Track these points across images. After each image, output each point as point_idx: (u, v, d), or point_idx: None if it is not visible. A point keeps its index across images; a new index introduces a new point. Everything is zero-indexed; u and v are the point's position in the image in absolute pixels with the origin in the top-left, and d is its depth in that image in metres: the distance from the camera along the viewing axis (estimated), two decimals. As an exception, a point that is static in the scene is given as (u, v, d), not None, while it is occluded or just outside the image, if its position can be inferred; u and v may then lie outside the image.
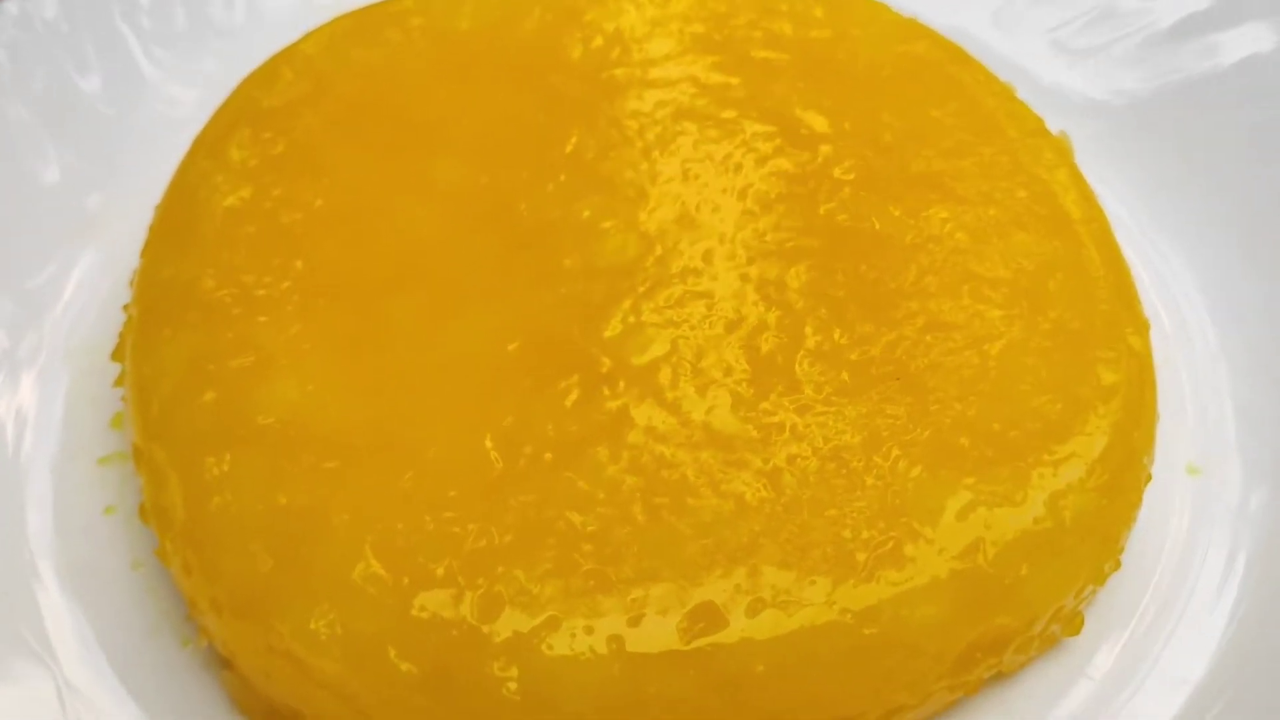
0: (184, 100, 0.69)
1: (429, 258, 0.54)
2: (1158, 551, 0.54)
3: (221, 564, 0.47)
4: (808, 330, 0.51)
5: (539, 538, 0.45)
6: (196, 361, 0.51)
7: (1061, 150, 0.59)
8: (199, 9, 0.72)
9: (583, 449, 0.48)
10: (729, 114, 0.59)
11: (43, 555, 0.54)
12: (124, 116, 0.68)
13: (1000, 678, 0.50)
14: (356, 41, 0.62)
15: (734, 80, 0.60)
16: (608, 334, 0.51)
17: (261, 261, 0.53)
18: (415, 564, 0.45)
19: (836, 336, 0.51)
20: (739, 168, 0.56)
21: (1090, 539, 0.48)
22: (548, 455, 0.47)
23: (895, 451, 0.47)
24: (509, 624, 0.43)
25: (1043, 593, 0.47)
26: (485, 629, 0.43)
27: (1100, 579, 0.50)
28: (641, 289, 0.52)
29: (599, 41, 0.62)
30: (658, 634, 0.43)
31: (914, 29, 0.63)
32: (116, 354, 0.56)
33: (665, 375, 0.50)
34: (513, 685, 0.43)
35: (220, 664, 0.50)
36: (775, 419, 0.48)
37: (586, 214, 0.55)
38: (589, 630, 0.43)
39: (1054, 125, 0.60)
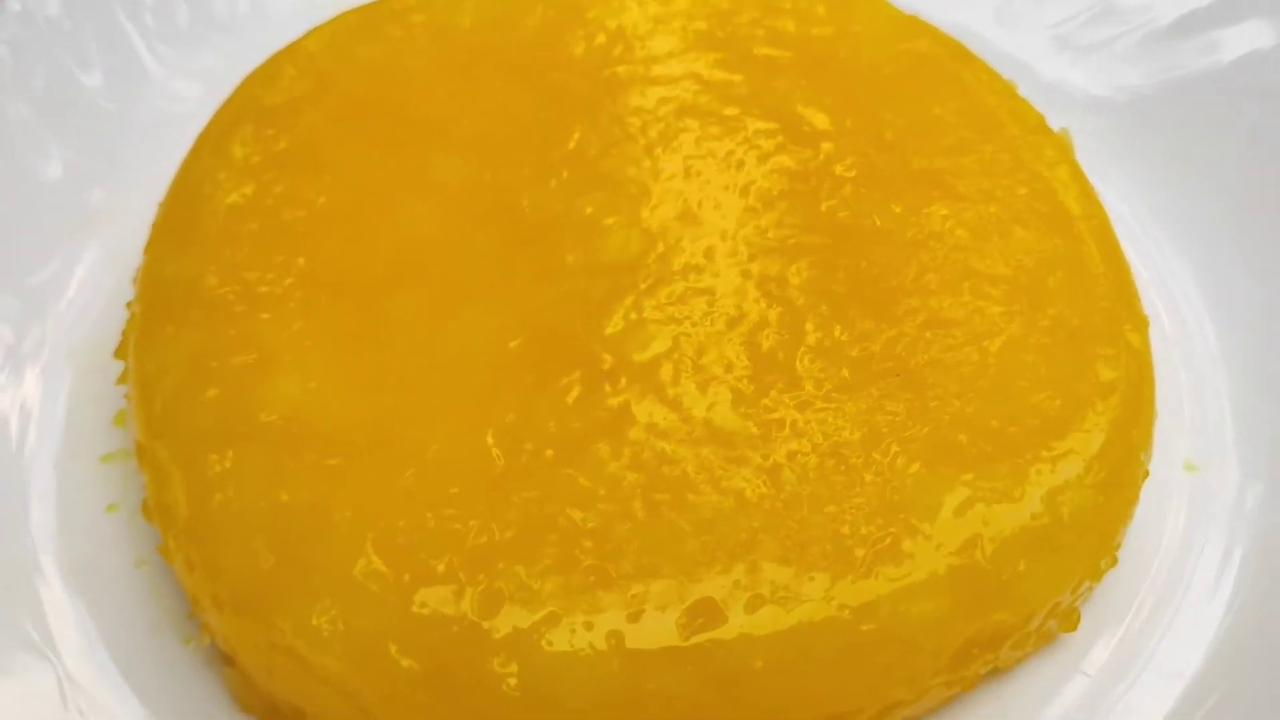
0: (187, 97, 0.69)
1: (431, 254, 0.54)
2: (1154, 548, 0.54)
3: (223, 561, 0.47)
4: (808, 327, 0.51)
5: (540, 534, 0.45)
6: (199, 359, 0.51)
7: (1062, 147, 0.59)
8: (202, 5, 0.72)
9: (584, 445, 0.48)
10: (731, 111, 0.59)
11: (45, 551, 0.54)
12: (127, 113, 0.68)
13: (997, 673, 0.50)
14: (359, 38, 0.63)
15: (736, 77, 0.60)
16: (609, 330, 0.51)
17: (264, 258, 0.53)
18: (416, 560, 0.45)
19: (837, 333, 0.51)
20: (741, 165, 0.57)
21: (1088, 535, 0.48)
22: (549, 452, 0.48)
23: (894, 448, 0.48)
24: (509, 620, 0.44)
25: (1040, 589, 0.47)
26: (485, 625, 0.44)
27: (1097, 575, 0.50)
28: (643, 285, 0.52)
29: (601, 38, 0.62)
30: (657, 630, 0.44)
31: (916, 26, 0.63)
32: (119, 351, 0.56)
33: (667, 372, 0.50)
34: (513, 681, 0.43)
35: (222, 661, 0.50)
36: (776, 415, 0.49)
37: (589, 211, 0.55)
38: (589, 626, 0.44)
39: (1055, 122, 0.60)
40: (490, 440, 0.48)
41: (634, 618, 0.44)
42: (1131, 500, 0.51)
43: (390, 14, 0.64)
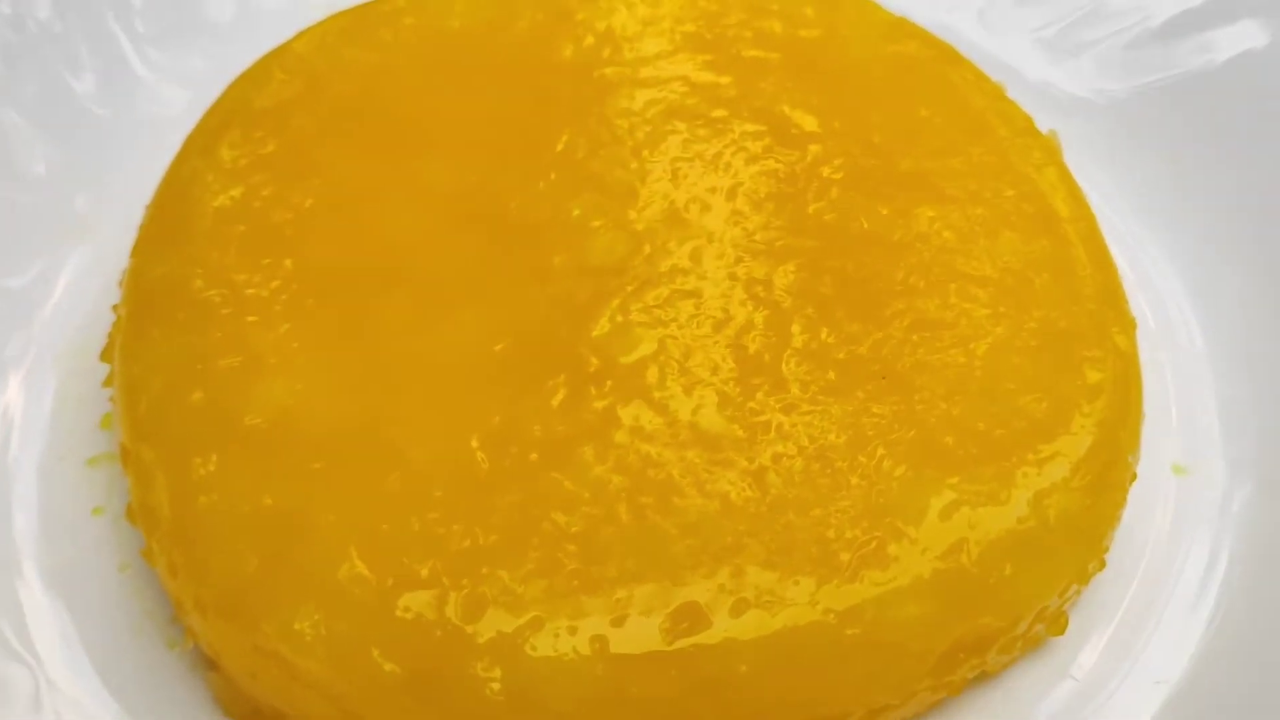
0: (176, 100, 0.69)
1: (418, 257, 0.54)
2: (1141, 550, 0.54)
3: (207, 564, 0.47)
4: (795, 329, 0.51)
5: (524, 538, 0.45)
6: (185, 361, 0.51)
7: (1050, 149, 0.59)
8: (191, 8, 0.72)
9: (569, 449, 0.48)
10: (719, 113, 0.59)
11: (28, 556, 0.54)
12: (116, 116, 0.68)
13: (984, 678, 0.50)
14: (348, 41, 0.62)
15: (724, 79, 0.60)
16: (595, 333, 0.51)
17: (251, 261, 0.53)
18: (400, 565, 0.45)
19: (824, 336, 0.51)
20: (728, 167, 0.56)
21: (1075, 538, 0.48)
22: (534, 455, 0.47)
23: (880, 451, 0.47)
24: (493, 624, 0.44)
25: (1027, 592, 0.47)
26: (469, 629, 0.43)
27: (1084, 578, 0.50)
28: (630, 288, 0.52)
29: (590, 41, 0.62)
30: (641, 634, 0.43)
31: (904, 28, 0.63)
32: (106, 354, 0.56)
33: (653, 374, 0.50)
34: (496, 686, 0.43)
35: (205, 665, 0.50)
36: (762, 418, 0.48)
37: (576, 213, 0.55)
38: (572, 631, 0.43)
39: (1044, 124, 0.60)
40: (475, 444, 0.48)
41: (618, 622, 0.44)
42: (1119, 503, 0.51)
43: (380, 17, 0.64)
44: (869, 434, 0.48)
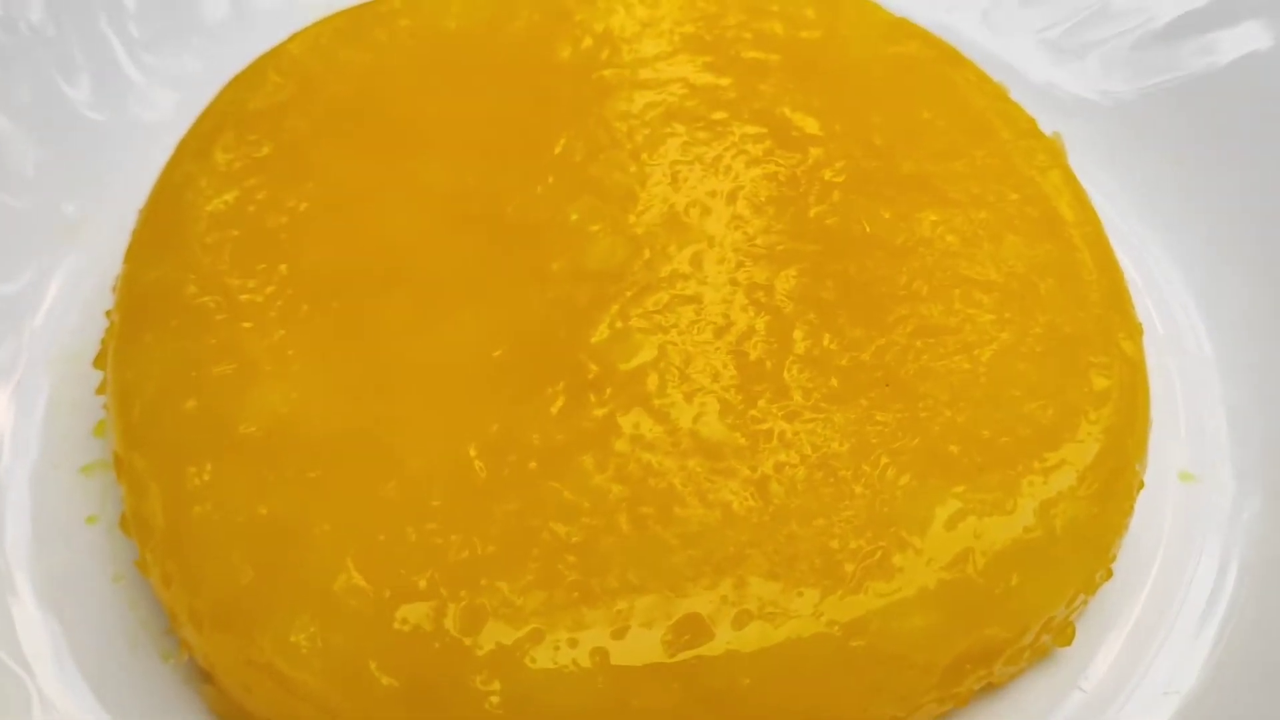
0: (169, 103, 0.68)
1: (415, 261, 0.53)
2: (1150, 560, 0.54)
3: (202, 575, 0.46)
4: (797, 335, 0.50)
5: (523, 549, 0.45)
6: (179, 368, 0.50)
7: (1054, 151, 0.58)
8: (185, 11, 0.72)
9: (568, 457, 0.47)
10: (719, 115, 0.58)
11: (20, 566, 0.53)
12: (109, 120, 0.68)
13: (991, 689, 0.50)
14: (344, 42, 0.62)
15: (724, 81, 0.59)
16: (595, 339, 0.50)
17: (245, 266, 0.53)
18: (397, 576, 0.44)
19: (826, 342, 0.50)
20: (729, 170, 0.56)
21: (1082, 548, 0.47)
22: (532, 464, 0.47)
23: (884, 459, 0.47)
24: (492, 637, 0.43)
25: (1033, 603, 0.46)
26: (468, 642, 0.43)
27: (1092, 588, 0.50)
28: (629, 293, 0.52)
29: (588, 42, 0.61)
30: (642, 646, 0.43)
31: (906, 29, 0.63)
32: (99, 360, 0.55)
33: (653, 381, 0.49)
34: (495, 699, 0.42)
35: (200, 678, 0.49)
36: (764, 426, 0.48)
37: (575, 217, 0.54)
38: (573, 643, 0.43)
39: (1048, 126, 0.60)
40: (473, 452, 0.47)
41: (619, 634, 0.43)
42: (1126, 511, 0.50)
43: (375, 17, 0.63)
44: (873, 442, 0.47)
